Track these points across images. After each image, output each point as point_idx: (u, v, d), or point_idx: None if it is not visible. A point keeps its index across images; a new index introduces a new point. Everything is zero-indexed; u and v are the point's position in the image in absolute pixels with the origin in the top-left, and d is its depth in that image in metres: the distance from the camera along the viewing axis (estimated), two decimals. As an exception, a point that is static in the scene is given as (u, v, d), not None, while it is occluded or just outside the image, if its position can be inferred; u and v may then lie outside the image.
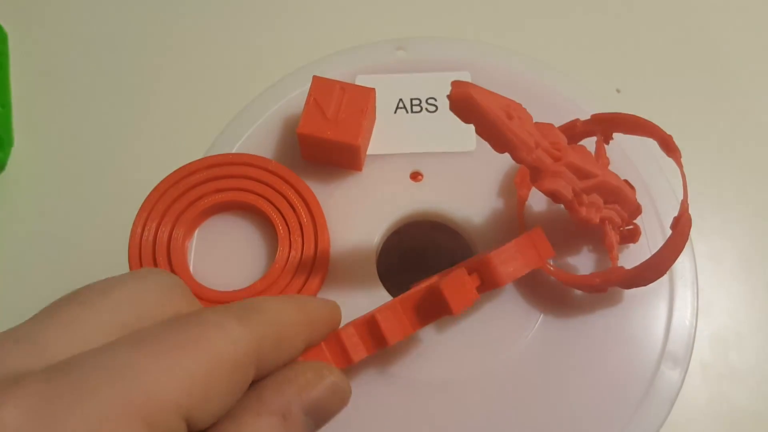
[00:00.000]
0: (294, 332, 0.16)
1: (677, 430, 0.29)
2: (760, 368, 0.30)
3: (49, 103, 0.36)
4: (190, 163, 0.23)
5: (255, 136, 0.24)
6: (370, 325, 0.18)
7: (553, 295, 0.22)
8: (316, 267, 0.22)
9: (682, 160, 0.20)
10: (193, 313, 0.15)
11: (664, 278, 0.22)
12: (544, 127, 0.19)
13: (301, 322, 0.17)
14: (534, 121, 0.19)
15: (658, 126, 0.21)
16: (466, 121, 0.16)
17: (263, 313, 0.15)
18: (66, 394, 0.12)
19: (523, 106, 0.18)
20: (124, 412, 0.12)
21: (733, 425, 0.29)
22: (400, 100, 0.25)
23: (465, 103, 0.16)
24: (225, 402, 0.14)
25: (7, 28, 0.37)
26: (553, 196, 0.19)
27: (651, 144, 0.22)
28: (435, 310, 0.19)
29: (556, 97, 0.25)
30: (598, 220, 0.20)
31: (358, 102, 0.23)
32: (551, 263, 0.22)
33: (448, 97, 0.16)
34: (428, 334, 0.21)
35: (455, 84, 0.16)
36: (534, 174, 0.18)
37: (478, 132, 0.17)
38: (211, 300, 0.21)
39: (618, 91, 0.36)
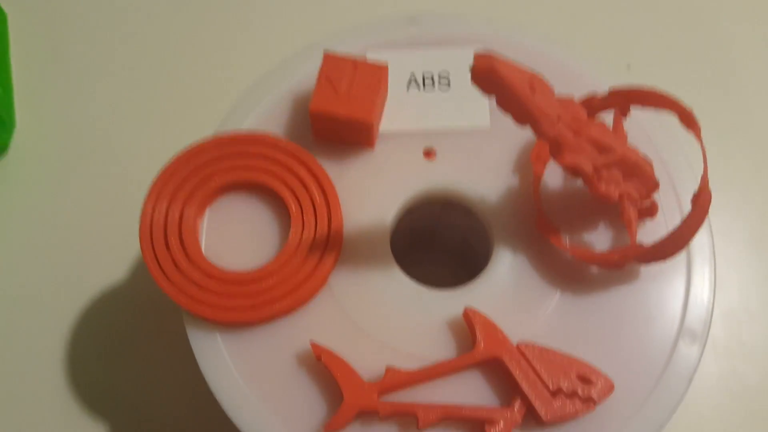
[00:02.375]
0: None
1: (688, 407, 0.29)
2: (772, 345, 0.30)
3: (51, 82, 0.35)
4: (199, 141, 0.22)
5: (265, 113, 0.24)
6: None
7: (570, 272, 0.22)
8: (330, 246, 0.21)
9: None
10: None
11: (682, 254, 0.21)
12: (565, 101, 0.18)
13: None
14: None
15: (678, 99, 0.20)
16: (488, 92, 0.16)
17: None
18: None
19: (539, 80, 0.18)
20: None
21: (744, 402, 0.29)
22: (412, 76, 0.24)
23: (488, 74, 0.15)
24: None
25: (6, 9, 0.36)
26: (574, 171, 0.18)
27: (666, 118, 0.22)
28: None
29: (567, 71, 0.25)
30: (617, 196, 0.20)
31: (371, 78, 0.22)
32: (567, 240, 0.22)
33: (471, 68, 0.15)
34: (445, 313, 0.21)
35: (478, 55, 0.15)
36: (554, 148, 0.18)
37: (499, 104, 0.16)
38: (223, 279, 0.21)
39: (629, 66, 0.36)
